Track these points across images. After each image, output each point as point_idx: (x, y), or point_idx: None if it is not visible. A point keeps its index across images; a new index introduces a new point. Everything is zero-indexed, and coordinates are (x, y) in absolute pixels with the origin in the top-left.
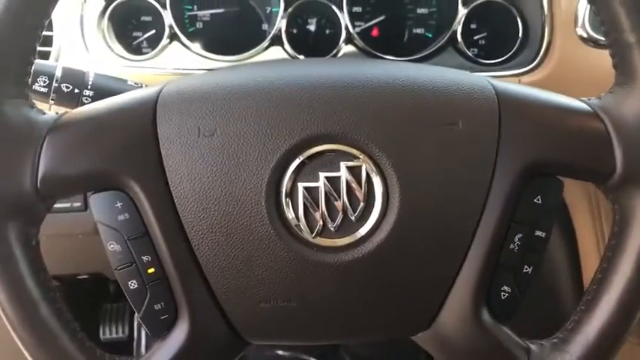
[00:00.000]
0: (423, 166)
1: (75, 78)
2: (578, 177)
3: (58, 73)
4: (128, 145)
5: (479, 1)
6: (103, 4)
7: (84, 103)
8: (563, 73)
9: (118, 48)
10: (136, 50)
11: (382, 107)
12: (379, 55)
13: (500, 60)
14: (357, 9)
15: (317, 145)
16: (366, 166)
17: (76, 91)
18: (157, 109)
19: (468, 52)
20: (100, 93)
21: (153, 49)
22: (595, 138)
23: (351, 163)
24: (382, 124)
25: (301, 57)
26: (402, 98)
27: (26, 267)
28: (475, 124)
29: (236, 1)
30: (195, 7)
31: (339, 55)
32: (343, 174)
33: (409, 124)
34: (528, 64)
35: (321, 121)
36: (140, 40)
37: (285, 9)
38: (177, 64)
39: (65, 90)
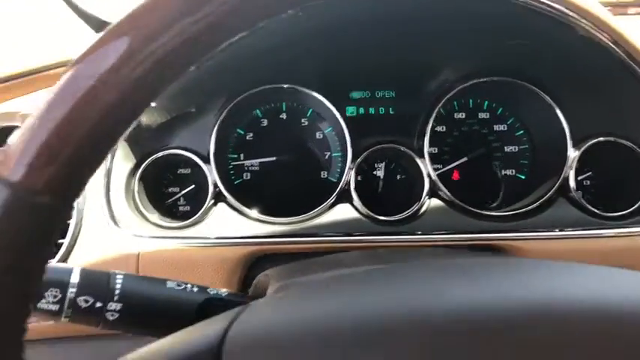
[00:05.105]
0: None
1: (96, 287)
2: None
3: (74, 280)
4: None
5: (592, 141)
6: (132, 163)
7: (108, 321)
8: None
9: (154, 216)
10: (171, 212)
11: None
12: (472, 209)
13: (626, 212)
14: (433, 150)
15: None
16: None
17: (98, 305)
18: None
19: (587, 205)
20: (131, 306)
21: (192, 208)
22: None
23: None
24: None
25: (376, 216)
26: None
27: None
28: None
29: (288, 146)
30: (242, 155)
31: (423, 209)
32: None
33: None
34: None
35: None
36: (176, 197)
37: (353, 156)
38: (224, 231)
39: (84, 305)
